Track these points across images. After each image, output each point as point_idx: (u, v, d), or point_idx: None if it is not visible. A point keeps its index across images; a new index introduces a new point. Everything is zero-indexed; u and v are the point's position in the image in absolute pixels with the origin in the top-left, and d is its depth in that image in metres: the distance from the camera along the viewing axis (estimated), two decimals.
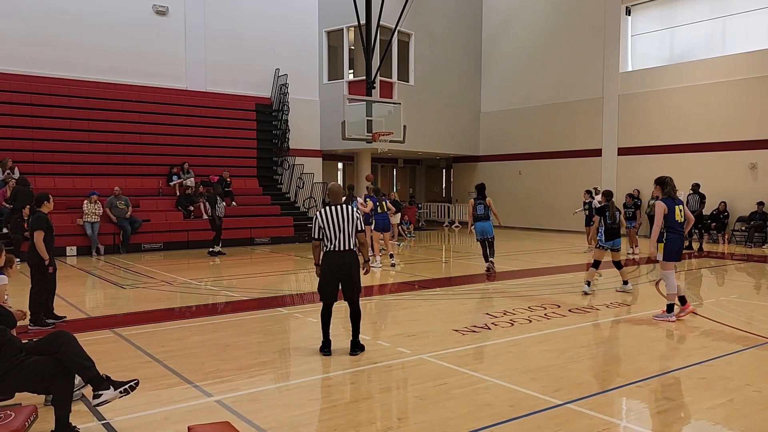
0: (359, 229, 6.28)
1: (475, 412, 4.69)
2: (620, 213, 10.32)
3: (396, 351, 6.40)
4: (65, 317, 7.91)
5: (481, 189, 12.55)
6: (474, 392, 5.16)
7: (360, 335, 6.41)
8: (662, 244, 7.88)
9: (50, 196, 7.74)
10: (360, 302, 6.45)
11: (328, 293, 6.30)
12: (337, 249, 6.18)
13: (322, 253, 6.28)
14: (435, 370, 5.76)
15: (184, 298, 9.84)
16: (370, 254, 12.66)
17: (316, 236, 6.23)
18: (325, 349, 6.31)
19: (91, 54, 17.70)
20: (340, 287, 6.33)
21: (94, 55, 17.77)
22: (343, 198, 6.84)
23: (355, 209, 6.34)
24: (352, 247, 6.23)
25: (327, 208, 6.28)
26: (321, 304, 6.38)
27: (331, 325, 6.38)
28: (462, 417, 4.59)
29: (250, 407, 4.82)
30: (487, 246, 12.46)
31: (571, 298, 9.53)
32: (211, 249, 15.42)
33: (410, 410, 4.82)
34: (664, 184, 7.92)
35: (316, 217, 6.26)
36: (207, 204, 16.53)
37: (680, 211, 7.86)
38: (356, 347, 6.34)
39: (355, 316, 6.35)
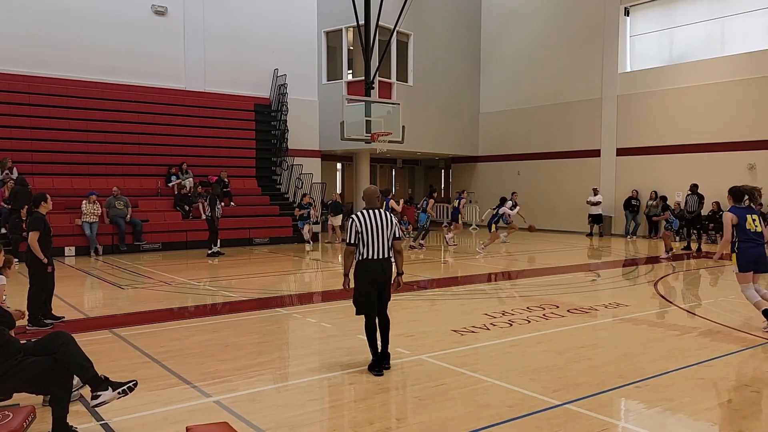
0: (397, 236, 5.83)
1: (474, 413, 4.69)
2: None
3: (395, 351, 6.39)
4: (64, 317, 7.90)
5: (431, 190, 17.11)
6: (473, 393, 5.16)
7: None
8: (735, 255, 7.43)
9: (48, 196, 7.69)
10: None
11: (370, 304, 5.74)
12: (375, 257, 5.69)
13: (354, 262, 5.80)
14: (434, 371, 5.76)
15: (182, 299, 9.83)
16: None
17: (353, 241, 5.72)
18: (377, 367, 5.71)
19: (89, 54, 17.68)
20: None
21: (93, 56, 17.74)
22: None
23: (391, 215, 5.91)
24: (388, 255, 5.77)
25: (365, 211, 5.78)
26: (362, 316, 5.85)
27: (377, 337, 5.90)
28: (461, 417, 4.59)
29: (249, 407, 4.82)
30: (423, 231, 17.40)
31: (569, 298, 9.53)
32: (209, 251, 15.37)
33: (409, 411, 4.82)
34: (735, 193, 7.58)
35: (353, 221, 5.73)
36: (207, 204, 16.55)
37: (753, 220, 7.41)
38: (387, 359, 5.83)
39: (386, 326, 5.87)
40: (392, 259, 5.88)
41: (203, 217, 15.91)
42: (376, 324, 5.81)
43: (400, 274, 5.96)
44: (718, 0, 19.44)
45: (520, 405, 4.85)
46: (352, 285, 5.86)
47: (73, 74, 17.47)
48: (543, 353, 6.41)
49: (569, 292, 10.04)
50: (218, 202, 15.43)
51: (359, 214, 5.78)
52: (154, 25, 18.77)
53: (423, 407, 4.82)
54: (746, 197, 7.50)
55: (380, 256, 5.70)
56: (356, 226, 5.70)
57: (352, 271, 5.84)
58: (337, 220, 18.63)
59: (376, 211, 5.79)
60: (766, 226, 7.90)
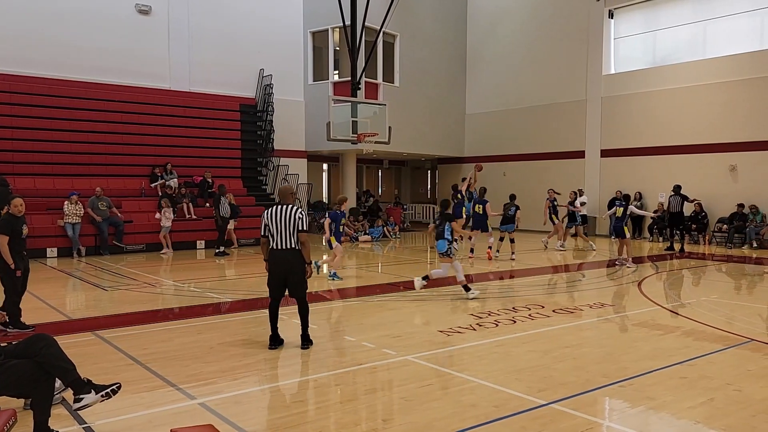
0: (300, 228, 6.43)
1: (460, 413, 4.70)
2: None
3: (381, 352, 6.40)
4: (33, 328, 7.40)
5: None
6: (459, 393, 5.17)
7: (308, 330, 6.64)
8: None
9: (15, 198, 7.31)
10: (307, 298, 6.69)
11: (273, 289, 6.56)
12: (279, 247, 6.43)
13: (269, 250, 6.55)
14: (420, 371, 5.76)
15: (167, 300, 9.75)
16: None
17: (263, 233, 6.55)
18: (273, 343, 6.55)
19: (72, 53, 17.46)
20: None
21: (76, 54, 17.53)
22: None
23: (298, 210, 6.48)
24: (293, 246, 6.43)
25: (273, 207, 6.55)
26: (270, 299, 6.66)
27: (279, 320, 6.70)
28: (447, 418, 4.59)
29: (234, 410, 4.79)
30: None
31: (554, 298, 9.59)
32: (217, 249, 15.61)
33: (395, 411, 4.82)
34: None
35: (263, 215, 6.54)
36: (190, 204, 16.58)
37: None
38: (305, 341, 6.55)
39: (301, 312, 6.58)
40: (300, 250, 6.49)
41: (190, 217, 15.83)
42: (278, 307, 6.61)
43: (307, 263, 6.56)
44: (701, 3, 19.69)
45: (505, 405, 4.87)
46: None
47: (55, 73, 17.25)
48: (529, 353, 6.44)
49: (554, 293, 10.10)
50: (222, 202, 15.67)
51: (269, 209, 6.54)
52: (138, 24, 18.60)
53: (409, 408, 4.82)
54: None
55: (285, 247, 6.41)
56: (264, 219, 6.51)
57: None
58: (231, 224, 16.70)
59: (284, 206, 6.49)
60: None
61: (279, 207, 6.50)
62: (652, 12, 20.97)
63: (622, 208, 13.61)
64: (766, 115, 17.78)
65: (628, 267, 13.18)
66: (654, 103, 20.31)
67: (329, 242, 11.43)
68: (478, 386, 5.33)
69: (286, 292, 6.61)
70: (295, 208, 6.49)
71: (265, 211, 6.55)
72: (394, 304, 9.40)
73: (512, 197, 15.47)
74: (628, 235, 13.58)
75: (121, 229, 15.68)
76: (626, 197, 14.37)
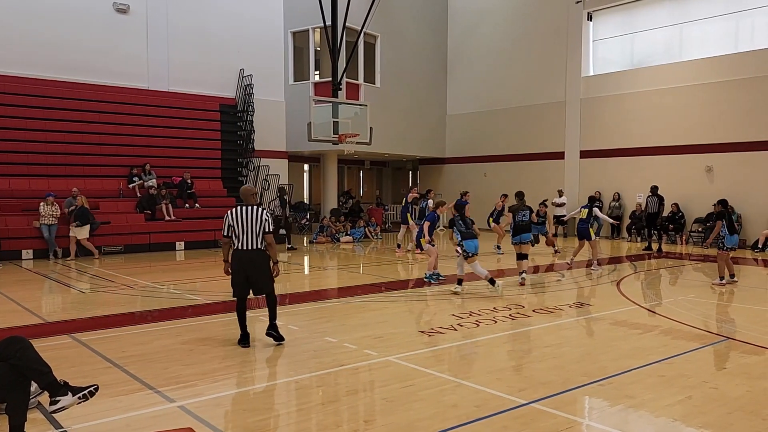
0: (267, 230, 6.51)
1: (441, 413, 4.71)
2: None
3: (363, 353, 6.39)
4: None
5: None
6: (440, 393, 5.18)
7: (276, 320, 6.75)
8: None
9: None
10: (277, 293, 6.87)
11: (239, 289, 6.63)
12: (244, 248, 6.47)
13: (231, 251, 6.61)
14: (402, 372, 5.76)
15: (145, 302, 9.62)
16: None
17: (225, 234, 6.57)
18: (243, 341, 6.63)
19: (49, 51, 17.17)
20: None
21: (53, 53, 17.24)
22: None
23: (264, 211, 6.54)
24: (259, 246, 6.51)
25: (237, 207, 6.57)
26: (236, 302, 6.79)
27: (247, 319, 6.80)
28: (429, 418, 4.60)
29: (214, 412, 4.75)
30: None
31: (535, 298, 9.66)
32: (289, 245, 17.04)
33: (377, 412, 4.81)
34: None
35: (226, 216, 6.55)
36: (170, 205, 16.53)
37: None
38: (273, 329, 6.69)
39: (269, 303, 6.73)
40: (266, 250, 6.60)
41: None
42: (245, 307, 6.73)
43: (275, 263, 6.69)
44: (677, 7, 20.00)
45: (486, 405, 4.89)
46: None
47: (31, 72, 16.95)
48: (509, 353, 6.48)
49: (534, 293, 10.17)
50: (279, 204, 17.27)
51: (232, 209, 6.57)
52: (116, 23, 18.34)
53: (391, 408, 4.82)
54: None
55: (249, 247, 6.47)
56: (228, 219, 6.53)
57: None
58: (82, 233, 14.61)
59: (248, 207, 6.55)
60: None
61: (243, 208, 6.53)
62: (630, 15, 21.25)
63: (586, 210, 13.19)
64: (742, 116, 18.11)
65: (594, 270, 12.92)
66: (632, 105, 20.57)
67: (420, 243, 11.17)
68: (460, 386, 5.35)
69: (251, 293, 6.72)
70: (261, 209, 6.57)
71: (229, 212, 6.56)
72: (375, 305, 9.39)
73: (520, 195, 12.05)
74: (594, 237, 13.33)
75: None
76: (591, 199, 13.80)
